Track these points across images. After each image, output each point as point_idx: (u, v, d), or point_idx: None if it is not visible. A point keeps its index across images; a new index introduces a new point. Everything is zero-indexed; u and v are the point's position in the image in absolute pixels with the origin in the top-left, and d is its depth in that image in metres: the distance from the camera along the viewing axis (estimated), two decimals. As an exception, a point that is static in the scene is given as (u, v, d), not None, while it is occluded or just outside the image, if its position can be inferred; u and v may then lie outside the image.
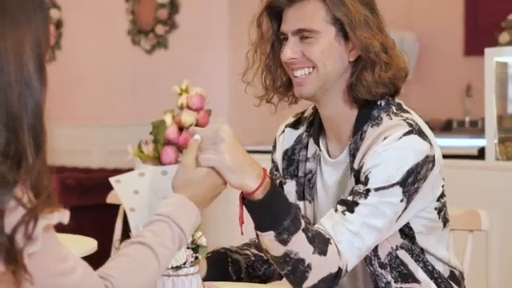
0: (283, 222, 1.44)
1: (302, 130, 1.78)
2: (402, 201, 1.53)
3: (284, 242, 1.45)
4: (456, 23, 5.05)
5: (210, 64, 4.41)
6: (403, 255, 1.62)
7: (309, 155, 1.74)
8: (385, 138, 1.55)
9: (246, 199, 1.46)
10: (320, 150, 1.72)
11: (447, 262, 1.68)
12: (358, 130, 1.63)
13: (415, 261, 1.63)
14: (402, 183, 1.53)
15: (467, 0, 4.94)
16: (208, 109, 2.49)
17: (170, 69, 4.56)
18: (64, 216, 1.04)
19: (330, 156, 1.71)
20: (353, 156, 1.63)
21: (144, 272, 1.21)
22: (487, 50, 3.32)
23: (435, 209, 1.64)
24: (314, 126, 1.75)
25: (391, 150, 1.54)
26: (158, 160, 2.41)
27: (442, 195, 1.66)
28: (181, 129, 2.43)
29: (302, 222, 1.47)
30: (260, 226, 1.47)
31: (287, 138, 1.79)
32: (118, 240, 2.38)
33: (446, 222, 1.68)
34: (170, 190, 2.36)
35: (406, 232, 1.62)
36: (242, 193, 1.46)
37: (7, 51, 1.01)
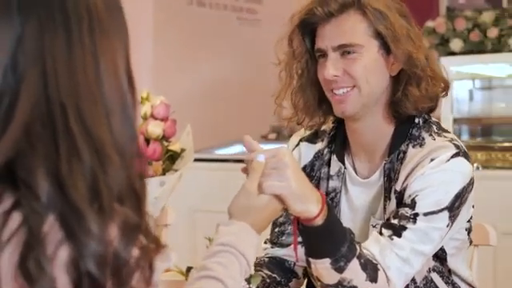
0: (341, 249, 1.38)
1: (321, 145, 1.70)
2: (447, 226, 1.50)
3: (340, 270, 1.38)
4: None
5: (132, 66, 4.23)
6: (435, 278, 1.59)
7: (332, 173, 1.66)
8: (431, 160, 1.50)
9: (300, 225, 1.38)
10: (345, 168, 1.65)
11: (470, 282, 1.66)
12: (395, 149, 1.57)
13: (445, 283, 1.61)
14: (450, 208, 1.49)
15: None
16: (173, 118, 2.37)
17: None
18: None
19: (356, 175, 1.64)
20: (388, 177, 1.56)
21: None
22: (443, 59, 3.39)
23: (466, 229, 1.63)
24: (337, 141, 1.67)
25: (439, 172, 1.49)
26: (124, 173, 2.26)
27: (471, 216, 1.64)
28: (147, 140, 2.29)
29: (358, 247, 1.41)
30: (315, 253, 1.40)
31: (304, 154, 1.71)
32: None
33: (471, 241, 1.67)
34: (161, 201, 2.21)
35: (439, 254, 1.58)
36: (296, 218, 1.38)
37: (107, 71, 0.88)
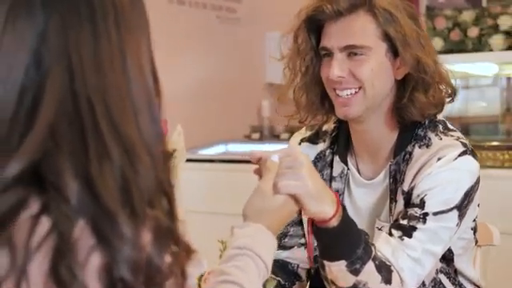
0: (356, 251, 1.35)
1: (322, 146, 1.67)
2: (457, 225, 1.49)
3: (355, 272, 1.36)
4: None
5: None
6: (443, 279, 1.58)
7: (334, 174, 1.63)
8: (439, 159, 1.47)
9: (315, 226, 1.35)
10: (348, 170, 1.62)
11: (476, 281, 1.65)
12: (401, 150, 1.54)
13: (452, 284, 1.60)
14: (459, 207, 1.47)
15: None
16: (164, 118, 2.32)
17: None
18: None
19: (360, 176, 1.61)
20: (393, 178, 1.54)
21: None
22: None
23: (471, 229, 1.61)
24: (340, 142, 1.64)
25: (448, 171, 1.47)
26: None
27: (476, 215, 1.62)
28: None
29: (373, 249, 1.38)
30: (330, 255, 1.37)
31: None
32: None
33: (476, 240, 1.66)
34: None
35: (446, 255, 1.57)
36: (311, 220, 1.35)
37: (133, 67, 0.84)
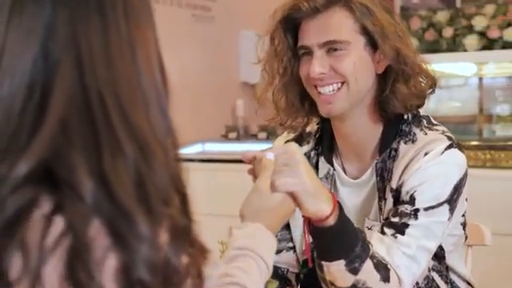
0: (355, 249, 1.34)
1: (307, 147, 1.66)
2: (448, 219, 1.48)
3: (354, 271, 1.34)
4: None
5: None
6: (435, 277, 1.57)
7: (320, 175, 1.62)
8: (426, 154, 1.47)
9: (312, 226, 1.33)
10: (334, 170, 1.61)
11: (468, 279, 1.65)
12: (386, 147, 1.53)
13: (445, 282, 1.59)
14: (449, 201, 1.47)
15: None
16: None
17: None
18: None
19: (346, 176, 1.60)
20: (380, 176, 1.53)
21: None
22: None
23: (461, 224, 1.61)
24: (324, 143, 1.63)
25: (435, 166, 1.46)
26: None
27: (465, 210, 1.62)
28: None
29: (370, 247, 1.37)
30: (328, 255, 1.35)
31: None
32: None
33: (466, 236, 1.66)
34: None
35: (437, 252, 1.55)
36: (307, 220, 1.33)
37: (142, 58, 0.82)
